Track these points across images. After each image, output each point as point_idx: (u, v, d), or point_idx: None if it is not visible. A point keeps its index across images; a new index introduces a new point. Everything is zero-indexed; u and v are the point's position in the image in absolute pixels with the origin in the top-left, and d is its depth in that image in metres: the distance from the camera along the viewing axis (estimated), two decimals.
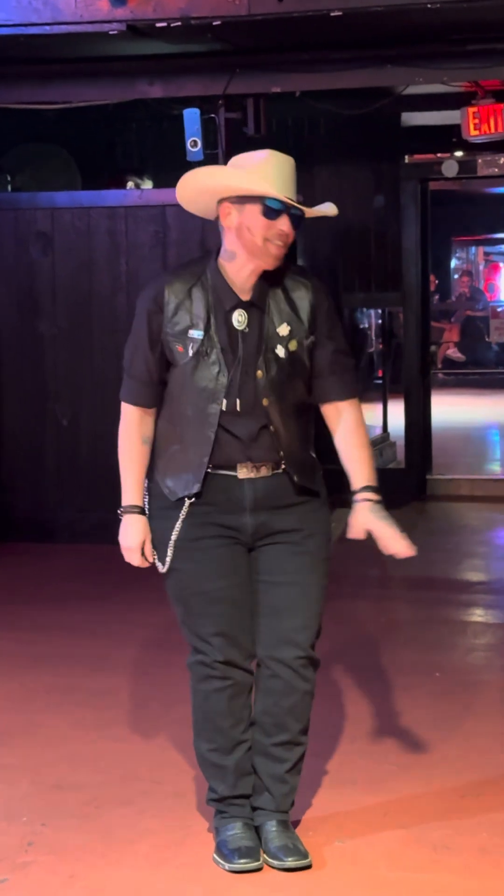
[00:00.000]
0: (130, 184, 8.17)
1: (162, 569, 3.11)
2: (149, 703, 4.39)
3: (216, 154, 6.80)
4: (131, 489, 3.13)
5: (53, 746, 4.00)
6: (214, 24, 5.87)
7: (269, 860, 3.11)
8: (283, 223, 2.95)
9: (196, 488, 3.03)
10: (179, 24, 5.87)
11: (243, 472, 3.03)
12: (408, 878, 3.08)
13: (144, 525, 3.12)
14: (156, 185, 8.65)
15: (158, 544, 3.12)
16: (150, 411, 3.13)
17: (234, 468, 3.03)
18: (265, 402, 3.00)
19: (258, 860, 3.10)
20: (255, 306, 3.02)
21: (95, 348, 7.22)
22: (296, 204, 2.95)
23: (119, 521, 3.14)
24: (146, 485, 3.15)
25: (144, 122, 8.51)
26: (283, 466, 3.06)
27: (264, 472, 3.04)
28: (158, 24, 5.90)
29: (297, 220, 2.97)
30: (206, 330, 2.99)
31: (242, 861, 3.09)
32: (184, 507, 3.04)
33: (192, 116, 6.66)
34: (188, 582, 3.08)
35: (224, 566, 3.07)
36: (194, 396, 3.01)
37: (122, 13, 5.85)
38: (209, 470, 3.03)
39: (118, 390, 3.17)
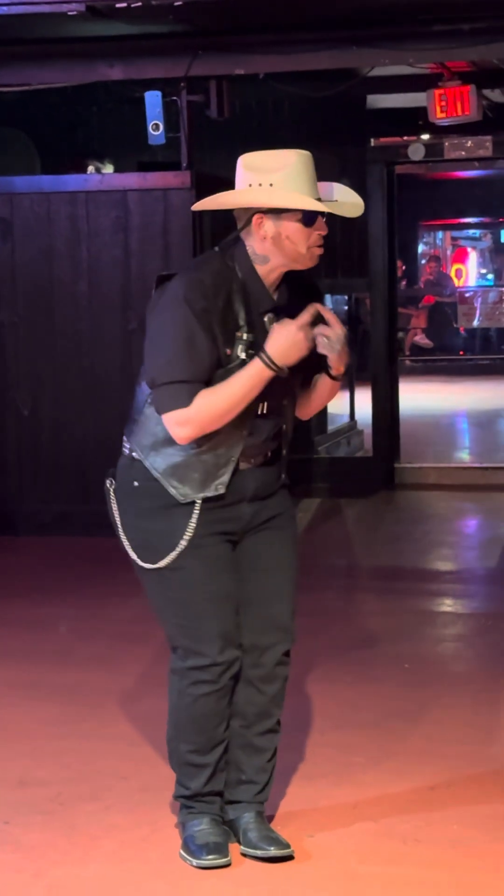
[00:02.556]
0: (91, 168, 8.08)
1: (152, 567, 3.00)
2: (114, 698, 4.35)
3: (178, 137, 6.72)
4: (244, 370, 2.89)
5: (17, 742, 3.95)
6: (176, 4, 5.81)
7: (251, 851, 3.09)
8: (321, 226, 2.96)
9: (222, 490, 2.97)
10: (140, 4, 5.80)
11: (244, 464, 3.02)
12: (378, 871, 3.05)
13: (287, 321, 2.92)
14: (117, 169, 8.56)
15: (155, 543, 2.99)
16: None
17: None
18: (285, 402, 3.04)
19: (226, 856, 3.07)
20: (280, 310, 2.99)
21: (56, 336, 7.13)
22: (330, 211, 2.92)
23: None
24: (136, 485, 3.00)
25: (105, 105, 8.43)
26: (272, 452, 3.06)
27: (260, 459, 3.04)
28: (118, 5, 5.84)
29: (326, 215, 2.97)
30: (251, 331, 2.94)
31: (210, 857, 3.05)
32: (196, 506, 2.96)
33: (153, 99, 6.60)
34: (194, 581, 2.99)
35: (227, 563, 3.04)
36: None
37: None
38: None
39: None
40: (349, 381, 9.92)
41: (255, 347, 2.92)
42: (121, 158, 8.58)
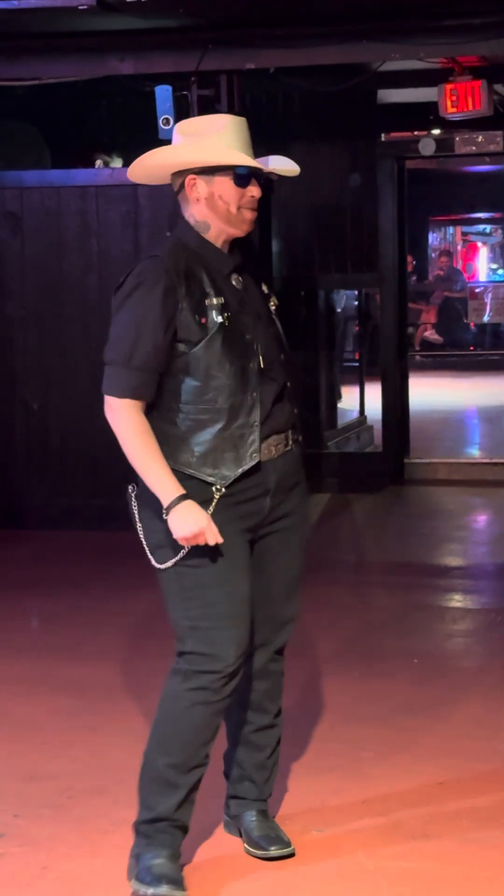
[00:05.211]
0: (99, 162, 8.08)
1: (169, 565, 2.91)
2: (123, 691, 4.36)
3: None
4: (171, 480, 2.85)
5: (26, 736, 3.96)
6: None
7: (252, 850, 3.09)
8: (254, 189, 2.95)
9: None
10: None
11: (265, 454, 2.95)
12: (386, 866, 3.05)
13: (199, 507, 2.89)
14: (126, 164, 8.54)
15: (173, 540, 2.87)
16: (144, 406, 2.92)
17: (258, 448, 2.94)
18: (282, 356, 3.01)
19: (184, 891, 2.91)
20: (242, 269, 3.01)
21: (65, 331, 7.14)
22: (264, 168, 2.95)
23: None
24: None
25: (115, 100, 8.43)
26: (291, 438, 3.01)
27: (281, 449, 2.99)
28: None
29: (264, 180, 2.98)
30: (220, 294, 2.92)
31: (168, 886, 2.88)
32: (214, 498, 2.87)
33: (164, 94, 6.58)
34: (211, 579, 2.88)
35: (246, 562, 2.95)
36: (233, 361, 2.89)
37: None
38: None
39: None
40: (359, 377, 9.91)
41: (228, 309, 2.90)
42: (130, 152, 8.53)
